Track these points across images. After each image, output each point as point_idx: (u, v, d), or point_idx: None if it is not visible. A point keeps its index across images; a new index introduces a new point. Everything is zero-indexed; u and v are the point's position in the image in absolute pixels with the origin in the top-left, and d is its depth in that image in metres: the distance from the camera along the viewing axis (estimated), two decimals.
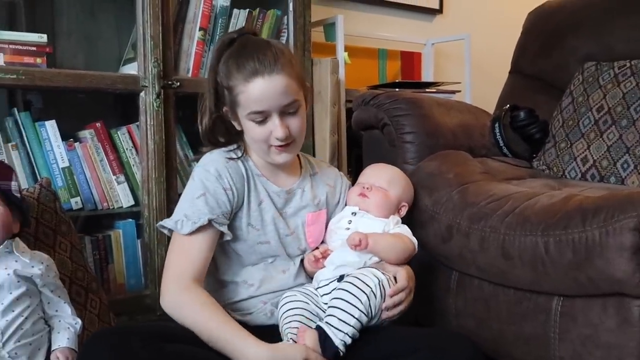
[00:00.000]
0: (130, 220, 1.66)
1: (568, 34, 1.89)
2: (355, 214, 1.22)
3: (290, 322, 1.07)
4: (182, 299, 1.07)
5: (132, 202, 1.64)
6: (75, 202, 1.56)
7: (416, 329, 1.20)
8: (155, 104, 1.60)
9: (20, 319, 1.04)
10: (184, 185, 1.71)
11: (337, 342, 1.01)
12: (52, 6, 1.78)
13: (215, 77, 1.13)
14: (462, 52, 2.76)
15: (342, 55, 2.22)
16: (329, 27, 2.34)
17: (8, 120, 1.51)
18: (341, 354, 1.01)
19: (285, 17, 1.94)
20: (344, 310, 1.03)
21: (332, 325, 1.03)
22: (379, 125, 1.62)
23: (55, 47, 1.73)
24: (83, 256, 1.41)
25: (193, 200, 1.11)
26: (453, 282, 1.35)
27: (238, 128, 1.16)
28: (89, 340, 0.96)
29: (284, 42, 1.93)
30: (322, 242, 1.24)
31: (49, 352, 1.08)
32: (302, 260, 1.22)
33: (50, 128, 1.54)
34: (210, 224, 1.09)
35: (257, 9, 1.88)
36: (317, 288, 1.15)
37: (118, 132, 1.65)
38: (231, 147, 1.18)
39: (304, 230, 1.21)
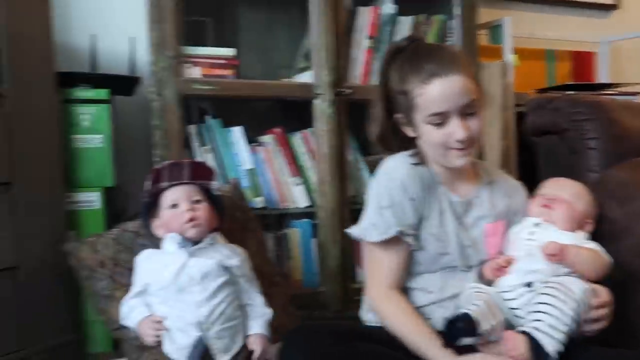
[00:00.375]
0: (306, 220, 1.76)
1: None
2: (539, 225, 1.16)
3: (477, 297, 1.06)
4: (381, 307, 1.12)
5: (308, 203, 1.73)
6: (258, 202, 1.69)
7: (624, 351, 1.10)
8: (329, 111, 1.68)
9: (223, 305, 1.16)
10: (355, 189, 1.80)
11: (550, 349, 0.97)
12: (235, 22, 1.95)
13: (387, 83, 1.14)
14: None
15: (509, 57, 2.14)
16: (495, 29, 2.27)
17: (203, 127, 1.68)
18: None
19: (451, 21, 1.93)
20: (553, 315, 0.99)
21: (542, 331, 0.99)
22: (558, 130, 1.54)
23: (239, 59, 1.89)
24: (267, 251, 1.52)
25: (380, 210, 1.12)
26: None
27: (412, 135, 1.14)
28: (286, 337, 1.03)
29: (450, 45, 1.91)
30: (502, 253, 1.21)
31: (244, 337, 1.19)
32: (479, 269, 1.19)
33: (237, 133, 1.69)
34: (398, 235, 1.11)
35: (423, 15, 1.89)
36: (500, 292, 1.12)
37: (295, 137, 1.76)
38: (411, 152, 1.16)
39: (483, 241, 1.17)
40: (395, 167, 1.14)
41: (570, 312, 0.99)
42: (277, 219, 1.79)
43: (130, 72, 1.77)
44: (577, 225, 1.18)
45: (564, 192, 1.20)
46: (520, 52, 2.42)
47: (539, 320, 1.00)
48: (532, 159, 1.69)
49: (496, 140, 1.93)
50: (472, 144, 1.11)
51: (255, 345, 1.16)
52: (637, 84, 2.32)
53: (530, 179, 1.68)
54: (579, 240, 1.14)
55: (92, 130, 1.55)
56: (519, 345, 0.97)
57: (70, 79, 1.57)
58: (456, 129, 1.06)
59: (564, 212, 1.17)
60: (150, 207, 1.26)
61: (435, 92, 1.06)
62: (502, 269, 1.13)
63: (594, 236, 1.33)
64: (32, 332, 1.39)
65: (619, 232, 1.26)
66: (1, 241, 1.34)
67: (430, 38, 1.90)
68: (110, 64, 1.81)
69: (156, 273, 1.17)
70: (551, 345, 0.97)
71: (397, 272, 1.12)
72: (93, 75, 1.68)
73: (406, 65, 1.10)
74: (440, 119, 1.07)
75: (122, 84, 1.71)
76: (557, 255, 1.05)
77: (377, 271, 1.13)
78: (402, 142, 1.17)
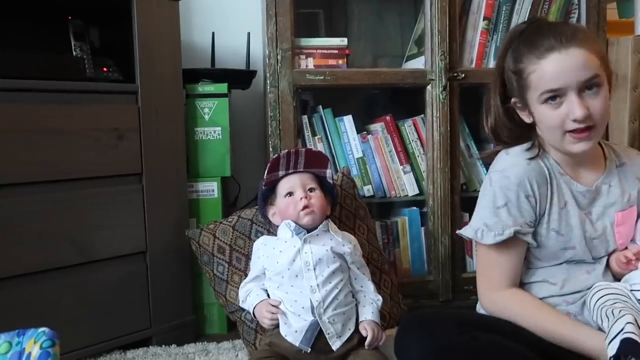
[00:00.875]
0: (415, 208, 1.74)
1: None
2: None
3: (614, 304, 0.97)
4: (504, 306, 1.08)
5: (417, 191, 1.72)
6: (367, 190, 1.70)
7: None
8: (441, 97, 1.64)
9: (336, 290, 1.18)
10: (465, 177, 1.75)
11: None
12: (346, 12, 1.96)
13: (503, 65, 1.10)
14: None
15: None
16: (625, 3, 2.08)
17: (315, 117, 1.71)
18: None
19: None
20: None
21: None
22: None
23: (351, 48, 1.90)
24: (377, 239, 1.53)
25: (494, 210, 1.09)
26: None
27: (528, 120, 1.09)
28: (404, 323, 1.03)
29: (574, 22, 1.78)
30: (632, 241, 1.12)
31: (357, 322, 1.21)
32: (607, 259, 1.11)
33: (348, 122, 1.71)
34: (515, 235, 1.07)
35: None
36: (631, 290, 1.04)
37: (405, 125, 1.74)
38: (526, 145, 1.11)
39: (613, 230, 1.10)
40: (509, 163, 1.10)
41: None
42: (386, 207, 1.80)
43: (247, 66, 1.85)
44: None
45: None
46: None
47: None
48: None
49: (625, 122, 1.78)
50: (594, 127, 1.02)
51: (368, 331, 1.17)
52: None
53: None
54: None
55: (212, 123, 1.64)
56: None
57: (193, 75, 1.67)
58: (573, 107, 0.99)
59: None
60: (267, 195, 1.31)
61: (550, 66, 1.00)
62: (630, 262, 1.05)
63: None
64: (158, 312, 1.51)
65: None
66: (134, 228, 1.46)
67: (552, 15, 1.78)
68: (229, 59, 1.91)
69: (272, 259, 1.21)
70: None
71: (514, 272, 1.09)
72: (213, 70, 1.78)
73: (522, 44, 1.05)
74: (556, 95, 1.00)
75: (239, 78, 1.79)
76: None
77: (493, 273, 1.10)
78: (518, 132, 1.11)
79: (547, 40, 1.00)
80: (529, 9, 1.76)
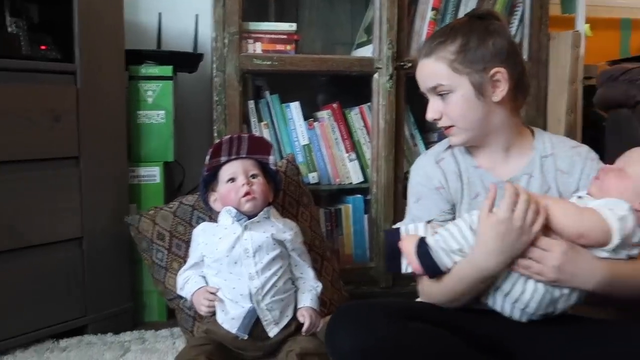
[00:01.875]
0: (359, 196, 1.76)
1: None
2: (581, 198, 1.04)
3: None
4: (425, 292, 1.09)
5: (361, 179, 1.73)
6: (313, 177, 1.70)
7: None
8: (387, 85, 1.65)
9: (275, 277, 1.18)
10: (409, 166, 1.77)
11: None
12: None
13: None
14: None
15: (582, 27, 2.03)
16: None
17: (262, 102, 1.70)
18: None
19: None
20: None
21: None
22: (630, 103, 1.45)
23: (300, 34, 1.89)
24: (319, 226, 1.54)
25: (412, 208, 1.16)
26: None
27: None
28: (334, 315, 1.03)
29: (518, 17, 1.82)
30: None
31: (295, 309, 1.22)
32: None
33: (295, 109, 1.70)
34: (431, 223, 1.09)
35: None
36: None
37: (351, 113, 1.75)
38: (442, 146, 1.18)
39: None
40: (421, 165, 1.19)
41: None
42: (330, 194, 1.80)
43: (194, 49, 1.81)
44: (631, 199, 0.99)
45: (627, 159, 1.04)
46: (593, 22, 2.29)
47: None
48: (599, 135, 1.61)
49: (562, 114, 1.84)
50: (454, 126, 1.10)
51: (305, 318, 1.18)
52: None
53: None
54: (611, 206, 0.97)
55: (156, 106, 1.61)
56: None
57: (137, 56, 1.62)
58: (427, 109, 1.11)
59: (608, 181, 1.02)
60: (209, 181, 1.30)
61: (417, 71, 1.13)
62: None
63: None
64: (94, 299, 1.47)
65: None
66: (70, 213, 1.42)
67: (498, 8, 1.82)
68: (176, 41, 1.86)
69: (211, 245, 1.21)
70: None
71: None
72: (158, 52, 1.73)
73: None
74: (429, 97, 1.12)
75: (186, 61, 1.75)
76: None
77: None
78: None
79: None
80: (476, 1, 1.79)
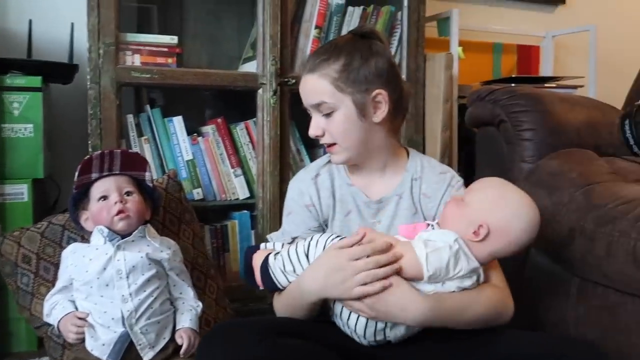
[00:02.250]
0: (246, 211, 1.74)
1: None
2: (431, 225, 1.04)
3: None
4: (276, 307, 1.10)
5: (247, 195, 1.72)
6: (197, 193, 1.67)
7: (543, 334, 1.11)
8: (271, 101, 1.66)
9: (151, 299, 1.13)
10: None
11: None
12: (181, 10, 1.91)
13: None
14: (585, 45, 2.58)
15: (456, 50, 2.17)
16: (443, 22, 2.29)
17: (142, 116, 1.64)
18: None
19: (399, 12, 1.93)
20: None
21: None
22: (495, 122, 1.56)
23: (183, 48, 1.85)
24: (203, 244, 1.51)
25: (284, 220, 1.18)
26: (573, 289, 1.27)
27: None
28: (207, 335, 1.01)
29: (397, 38, 1.92)
30: None
31: (173, 330, 1.17)
32: None
33: (177, 123, 1.66)
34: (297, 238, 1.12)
35: (371, 6, 1.89)
36: None
37: (237, 128, 1.74)
38: (323, 160, 1.19)
39: None
40: (298, 179, 1.19)
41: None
42: (216, 210, 1.78)
43: (69, 59, 1.71)
44: (464, 228, 0.98)
45: (468, 191, 1.05)
46: (468, 45, 2.46)
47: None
48: (474, 151, 1.72)
49: (438, 131, 1.95)
50: (337, 144, 1.10)
51: (183, 339, 1.14)
52: (577, 77, 2.38)
53: (472, 172, 1.72)
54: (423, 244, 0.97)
55: (23, 119, 1.49)
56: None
57: (3, 66, 1.51)
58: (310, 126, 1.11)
59: (447, 209, 1.04)
60: (79, 200, 1.22)
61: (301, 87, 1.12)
62: None
63: None
64: None
65: (547, 221, 1.28)
66: None
67: (379, 29, 1.90)
68: (50, 51, 1.75)
69: (81, 267, 1.13)
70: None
71: None
72: (26, 61, 1.61)
73: None
74: (312, 113, 1.11)
75: (58, 72, 1.65)
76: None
77: None
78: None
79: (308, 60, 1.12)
80: (358, 21, 1.86)
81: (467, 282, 0.97)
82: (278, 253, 1.03)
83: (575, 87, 2.33)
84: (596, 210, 1.20)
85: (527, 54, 2.67)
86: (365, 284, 0.94)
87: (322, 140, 1.11)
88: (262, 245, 1.10)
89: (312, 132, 1.11)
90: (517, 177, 1.46)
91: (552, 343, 1.00)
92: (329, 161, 1.17)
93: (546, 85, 2.30)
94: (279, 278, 1.02)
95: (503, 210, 0.98)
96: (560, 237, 1.25)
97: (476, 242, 0.98)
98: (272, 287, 1.03)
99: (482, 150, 1.67)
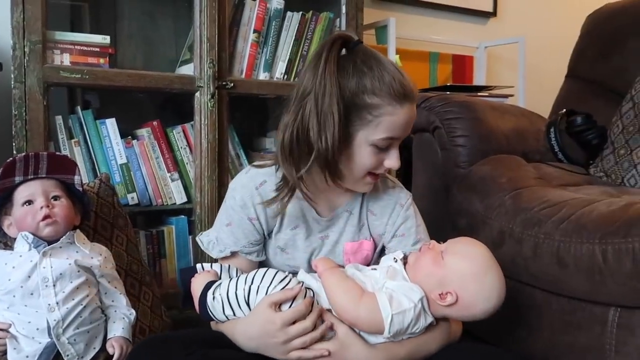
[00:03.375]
0: (183, 216, 1.71)
1: (629, 37, 1.82)
2: (396, 261, 1.01)
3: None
4: None
5: (185, 199, 1.68)
6: (132, 198, 1.62)
7: (472, 344, 1.07)
8: (209, 104, 1.64)
9: (80, 307, 1.08)
10: None
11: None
12: (115, 9, 1.85)
13: (338, 87, 0.95)
14: (515, 56, 2.71)
15: (393, 58, 2.22)
16: (381, 30, 2.34)
17: (72, 118, 1.57)
18: None
19: (338, 19, 1.95)
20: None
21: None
22: (430, 128, 1.61)
23: (117, 48, 1.80)
24: (138, 250, 1.46)
25: (222, 227, 1.09)
26: None
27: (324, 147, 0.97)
28: (134, 350, 0.98)
29: None
30: None
31: (104, 340, 1.13)
32: None
33: (110, 126, 1.60)
34: (237, 252, 1.08)
35: (310, 12, 1.90)
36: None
37: (173, 131, 1.70)
38: (272, 165, 1.08)
39: (343, 258, 1.11)
40: (240, 184, 1.08)
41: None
42: (152, 215, 1.73)
43: None
44: (431, 286, 0.96)
45: (449, 250, 0.98)
46: (407, 54, 2.52)
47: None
48: (410, 157, 1.76)
49: None
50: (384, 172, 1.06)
51: (115, 349, 1.10)
52: (508, 87, 2.48)
53: (409, 176, 1.76)
54: (401, 290, 0.95)
55: None
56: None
57: None
58: (393, 158, 1.00)
59: (420, 260, 0.98)
60: (2, 205, 1.16)
61: (403, 115, 0.97)
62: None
63: (460, 229, 1.41)
64: None
65: (479, 224, 1.33)
66: None
67: (317, 35, 1.91)
68: None
69: (3, 276, 1.07)
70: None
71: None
72: None
73: (370, 75, 0.96)
74: (389, 143, 0.99)
75: None
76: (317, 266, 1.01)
77: None
78: (305, 153, 0.99)
79: (407, 85, 0.97)
80: (296, 27, 1.87)
81: (417, 332, 0.96)
82: (217, 288, 0.97)
83: (506, 96, 2.43)
84: (523, 213, 1.26)
85: (462, 64, 2.77)
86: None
87: (379, 171, 1.03)
88: (199, 266, 1.04)
89: (398, 164, 1.01)
90: (451, 182, 1.51)
91: (476, 352, 1.00)
92: (277, 169, 1.06)
93: (479, 94, 2.39)
94: (218, 317, 0.98)
95: (477, 288, 0.95)
96: (491, 240, 1.29)
97: (438, 303, 0.96)
98: (210, 319, 1.00)
99: (418, 156, 1.71)
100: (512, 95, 2.50)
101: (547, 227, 1.19)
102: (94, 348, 1.10)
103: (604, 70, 1.89)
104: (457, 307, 0.95)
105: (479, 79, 2.76)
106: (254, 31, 1.79)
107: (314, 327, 0.93)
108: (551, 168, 1.58)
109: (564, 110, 1.72)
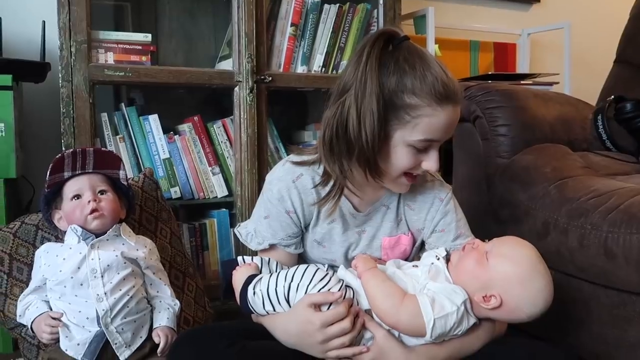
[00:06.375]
0: (224, 209, 1.73)
1: None
2: (439, 259, 0.99)
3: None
4: None
5: (226, 193, 1.71)
6: (175, 192, 1.65)
7: (517, 339, 1.04)
8: (248, 99, 1.66)
9: (126, 298, 1.12)
10: None
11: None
12: (156, 8, 1.89)
13: (378, 85, 0.93)
14: (560, 42, 2.62)
15: (432, 48, 2.19)
16: (419, 20, 2.30)
17: (116, 115, 1.62)
18: None
19: (375, 10, 1.94)
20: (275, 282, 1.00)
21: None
22: (471, 118, 1.58)
23: (158, 46, 1.84)
24: (181, 242, 1.49)
25: (260, 219, 1.10)
26: None
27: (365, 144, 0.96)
28: (176, 340, 1.01)
29: None
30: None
31: (150, 329, 1.16)
32: None
33: (153, 122, 1.64)
34: (275, 245, 1.08)
35: (347, 4, 1.89)
36: None
37: (214, 126, 1.73)
38: (309, 158, 1.07)
39: (382, 253, 1.10)
40: (277, 178, 1.07)
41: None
42: (194, 209, 1.76)
43: (42, 57, 1.68)
44: (475, 288, 0.94)
45: (494, 252, 0.95)
46: (446, 43, 2.48)
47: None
48: (451, 147, 1.73)
49: None
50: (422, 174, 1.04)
51: (160, 338, 1.13)
52: (553, 74, 2.41)
53: (450, 167, 1.73)
54: (443, 293, 0.93)
55: None
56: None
57: None
58: (432, 160, 0.98)
59: (463, 261, 0.96)
60: (52, 199, 1.20)
61: (444, 117, 0.94)
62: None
63: (502, 219, 1.38)
64: None
65: (522, 215, 1.30)
66: None
67: (354, 27, 1.90)
68: (21, 49, 1.72)
69: (55, 267, 1.11)
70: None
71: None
72: None
73: (411, 74, 0.93)
74: (428, 145, 0.97)
75: (30, 70, 1.62)
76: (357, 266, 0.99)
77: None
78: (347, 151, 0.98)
79: (451, 86, 0.94)
80: (334, 19, 1.86)
81: (460, 333, 0.94)
82: (258, 283, 0.97)
83: (550, 83, 2.36)
84: (569, 203, 1.22)
85: (504, 52, 2.71)
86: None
87: (417, 172, 1.00)
88: (240, 259, 1.05)
89: (437, 166, 0.99)
90: (493, 173, 1.48)
91: (523, 345, 0.98)
92: (313, 162, 1.06)
93: (522, 82, 2.33)
94: (259, 311, 0.98)
95: (523, 294, 0.92)
96: (535, 231, 1.26)
97: (481, 305, 0.94)
98: (250, 312, 1.00)
99: (459, 146, 1.68)
100: (557, 83, 2.42)
101: (594, 217, 1.15)
102: (141, 337, 1.13)
103: None
104: (501, 310, 0.93)
105: (522, 67, 2.69)
106: (292, 25, 1.79)
107: (353, 328, 0.93)
108: (599, 157, 1.53)
109: (612, 96, 1.65)
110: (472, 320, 0.94)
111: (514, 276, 0.92)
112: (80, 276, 1.10)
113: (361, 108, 0.94)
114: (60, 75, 1.48)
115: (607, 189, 1.21)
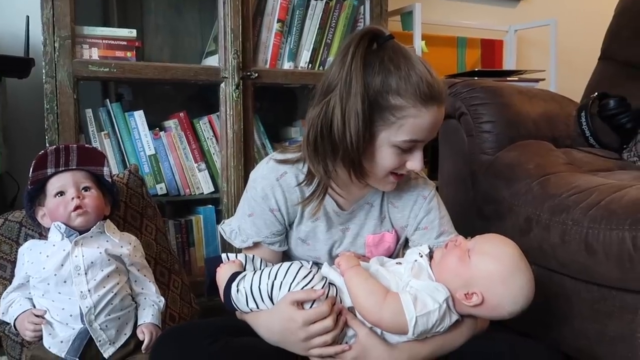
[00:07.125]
0: (210, 206, 1.73)
1: None
2: (422, 256, 1.00)
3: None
4: None
5: (212, 189, 1.71)
6: (160, 188, 1.65)
7: (499, 334, 1.03)
8: (234, 95, 1.65)
9: (110, 295, 1.12)
10: None
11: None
12: (141, 3, 1.88)
13: (363, 85, 0.92)
14: (546, 39, 2.64)
15: (419, 44, 2.19)
16: (406, 16, 2.31)
17: (101, 111, 1.61)
18: None
19: (362, 6, 1.94)
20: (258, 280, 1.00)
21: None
22: (456, 114, 1.59)
23: (144, 41, 1.83)
24: (167, 239, 1.49)
25: (244, 217, 1.09)
26: None
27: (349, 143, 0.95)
28: (159, 338, 1.01)
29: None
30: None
31: (135, 326, 1.16)
32: None
33: (139, 118, 1.63)
34: (260, 243, 1.08)
35: (334, 0, 1.89)
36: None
37: (200, 122, 1.72)
38: (292, 157, 1.06)
39: (365, 251, 1.11)
40: (261, 176, 1.07)
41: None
42: (180, 205, 1.76)
43: (25, 53, 1.66)
44: (457, 285, 0.95)
45: (476, 249, 0.96)
46: (433, 39, 2.49)
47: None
48: (437, 144, 1.74)
49: None
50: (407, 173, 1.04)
51: (145, 335, 1.13)
52: (539, 71, 2.43)
53: (436, 163, 1.74)
54: (426, 291, 0.94)
55: None
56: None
57: None
58: (416, 161, 0.98)
59: (445, 258, 0.97)
60: (35, 196, 1.20)
61: (429, 118, 0.94)
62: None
63: (485, 215, 1.39)
64: None
65: (505, 211, 1.31)
66: None
67: (341, 23, 1.90)
68: (5, 45, 1.70)
69: (38, 264, 1.11)
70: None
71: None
72: None
73: (396, 74, 0.92)
74: (412, 145, 0.97)
75: (13, 66, 1.60)
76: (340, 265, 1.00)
77: None
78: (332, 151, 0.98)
79: (435, 86, 0.93)
80: (320, 15, 1.86)
81: (442, 330, 0.95)
82: (242, 280, 0.97)
83: (536, 80, 2.38)
84: (551, 200, 1.23)
85: (491, 48, 2.72)
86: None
87: (401, 171, 1.01)
88: (224, 256, 1.05)
89: (421, 167, 1.00)
90: (478, 169, 1.49)
91: (507, 341, 0.98)
92: (297, 160, 1.06)
93: (509, 78, 2.34)
94: (242, 308, 0.99)
95: (504, 292, 0.93)
96: (517, 227, 1.27)
97: (463, 302, 0.95)
98: (234, 309, 1.00)
99: (444, 143, 1.69)
100: (543, 80, 2.44)
101: (575, 213, 1.16)
102: (125, 334, 1.13)
103: (639, 51, 1.83)
104: (483, 307, 0.94)
105: (509, 64, 2.70)
106: (278, 21, 1.79)
107: (335, 326, 0.93)
108: (582, 153, 1.55)
109: (596, 93, 1.67)
110: (455, 317, 0.95)
111: (495, 274, 0.93)
112: (64, 273, 1.10)
113: (346, 109, 0.93)
114: (44, 71, 1.46)
115: (588, 186, 1.22)
